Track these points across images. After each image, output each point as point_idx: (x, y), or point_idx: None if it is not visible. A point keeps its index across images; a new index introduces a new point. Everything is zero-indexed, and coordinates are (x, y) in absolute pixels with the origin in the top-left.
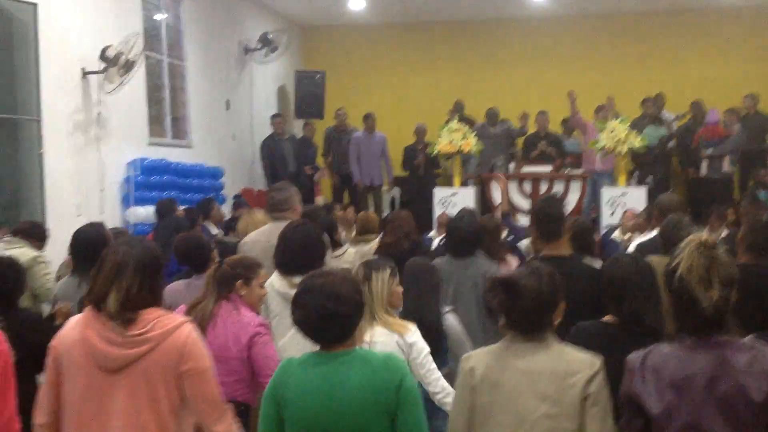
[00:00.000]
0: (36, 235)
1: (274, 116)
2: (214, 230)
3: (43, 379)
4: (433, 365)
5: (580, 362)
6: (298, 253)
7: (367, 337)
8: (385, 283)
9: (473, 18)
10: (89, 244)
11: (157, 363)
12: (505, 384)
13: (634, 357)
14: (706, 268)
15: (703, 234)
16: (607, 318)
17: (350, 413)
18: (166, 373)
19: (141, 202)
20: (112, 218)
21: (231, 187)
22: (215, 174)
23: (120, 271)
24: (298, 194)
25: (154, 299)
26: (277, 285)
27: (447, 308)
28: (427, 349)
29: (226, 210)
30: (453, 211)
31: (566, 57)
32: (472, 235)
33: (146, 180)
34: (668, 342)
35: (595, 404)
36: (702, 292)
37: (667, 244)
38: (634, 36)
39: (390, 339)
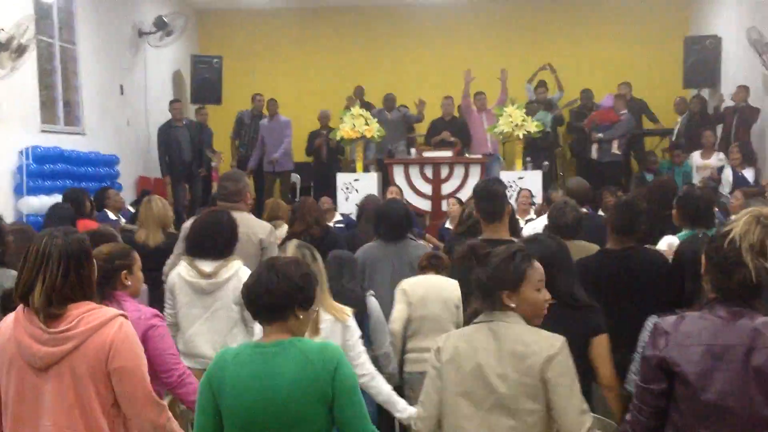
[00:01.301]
0: None
1: (172, 102)
2: (113, 217)
3: None
4: (363, 348)
5: (539, 343)
6: (206, 238)
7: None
8: (322, 265)
9: (372, 2)
10: None
11: (83, 361)
12: (469, 364)
13: (666, 322)
14: (761, 238)
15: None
16: None
17: (286, 403)
18: (94, 371)
19: (34, 191)
20: (4, 209)
21: (127, 175)
22: (110, 162)
23: (44, 263)
24: (249, 185)
25: (83, 292)
26: (184, 274)
27: (369, 292)
28: (359, 332)
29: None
30: (356, 197)
31: (464, 41)
32: (404, 219)
33: (39, 169)
34: (699, 312)
35: (558, 384)
36: (749, 258)
37: (552, 226)
38: (527, 19)
39: (334, 325)
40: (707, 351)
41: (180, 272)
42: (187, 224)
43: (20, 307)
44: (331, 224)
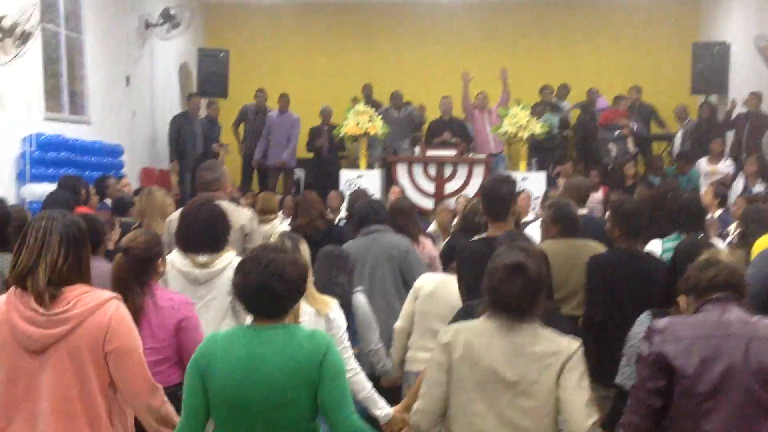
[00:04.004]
0: None
1: (192, 95)
2: None
3: None
4: (348, 344)
5: (558, 344)
6: (202, 232)
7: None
8: (308, 255)
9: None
10: None
11: (81, 342)
12: (484, 362)
13: (660, 321)
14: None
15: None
16: None
17: (273, 386)
18: (92, 352)
19: (37, 179)
20: (6, 195)
21: (131, 166)
22: (114, 152)
23: (44, 245)
24: (227, 174)
25: (81, 275)
26: (178, 264)
27: (358, 288)
28: (345, 326)
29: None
30: None
31: (469, 41)
32: (375, 210)
33: (43, 156)
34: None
35: (571, 376)
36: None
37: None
38: (532, 23)
39: (317, 318)
40: (705, 343)
41: (173, 261)
42: (174, 216)
43: (12, 290)
44: (336, 220)
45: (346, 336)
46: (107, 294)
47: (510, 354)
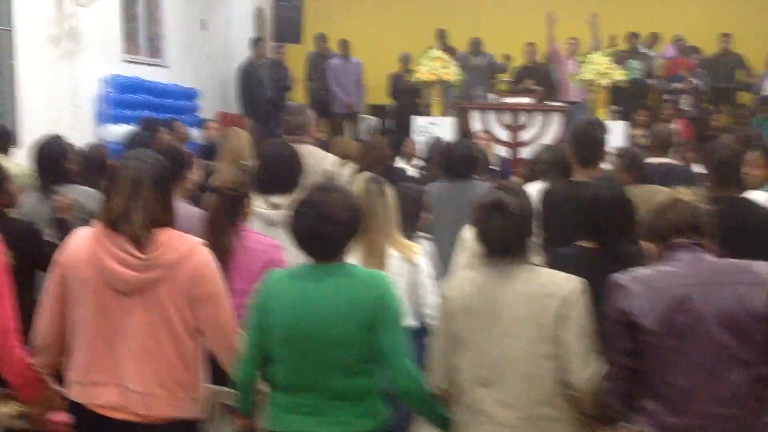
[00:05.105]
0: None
1: (256, 40)
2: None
3: (45, 295)
4: (432, 289)
5: (556, 283)
6: (273, 172)
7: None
8: (392, 200)
9: None
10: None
11: (170, 287)
12: (482, 310)
13: (624, 276)
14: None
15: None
16: (583, 242)
17: (328, 325)
18: (180, 296)
19: (115, 119)
20: (84, 135)
21: (206, 109)
22: (190, 95)
23: (137, 188)
24: (312, 118)
25: (168, 218)
26: (255, 206)
27: (420, 234)
28: (428, 271)
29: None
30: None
31: None
32: (468, 157)
33: (120, 98)
34: (656, 263)
35: (569, 322)
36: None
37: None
38: None
39: (402, 264)
40: (668, 294)
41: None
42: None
43: (99, 229)
44: (409, 168)
45: (430, 280)
46: (195, 239)
47: (507, 298)
